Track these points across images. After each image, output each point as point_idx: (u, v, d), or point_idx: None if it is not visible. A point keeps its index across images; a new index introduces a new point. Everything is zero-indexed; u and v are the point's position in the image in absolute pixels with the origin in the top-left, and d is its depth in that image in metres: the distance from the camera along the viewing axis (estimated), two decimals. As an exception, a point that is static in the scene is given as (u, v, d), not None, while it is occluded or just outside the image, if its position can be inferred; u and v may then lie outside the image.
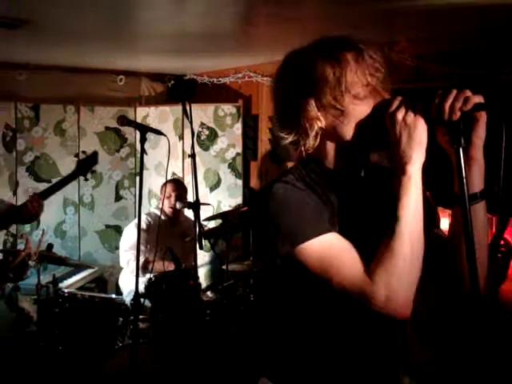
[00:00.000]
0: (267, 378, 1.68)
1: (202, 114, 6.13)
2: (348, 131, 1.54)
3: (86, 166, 4.11)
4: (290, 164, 1.71)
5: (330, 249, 1.48)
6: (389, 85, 1.56)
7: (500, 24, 3.87)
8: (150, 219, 4.98)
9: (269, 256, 1.58)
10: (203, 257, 5.93)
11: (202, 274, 5.92)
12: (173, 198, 4.99)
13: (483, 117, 1.44)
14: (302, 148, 1.59)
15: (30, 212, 3.79)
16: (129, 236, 4.87)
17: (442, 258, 1.63)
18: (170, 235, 4.86)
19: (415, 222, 1.47)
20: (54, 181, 5.93)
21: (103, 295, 4.63)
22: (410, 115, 1.45)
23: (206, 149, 6.13)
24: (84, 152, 4.21)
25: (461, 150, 1.42)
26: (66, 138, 6.06)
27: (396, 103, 1.48)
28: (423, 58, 4.19)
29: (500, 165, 1.39)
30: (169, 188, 5.04)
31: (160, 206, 5.03)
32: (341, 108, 1.52)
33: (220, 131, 6.11)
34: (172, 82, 6.33)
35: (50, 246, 4.18)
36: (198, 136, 6.08)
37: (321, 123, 1.54)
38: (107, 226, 6.33)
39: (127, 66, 6.39)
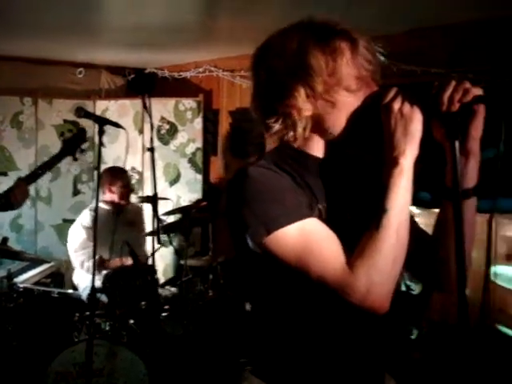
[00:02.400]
0: (252, 372, 1.60)
1: (163, 108, 6.09)
2: (334, 123, 1.48)
3: (73, 144, 3.85)
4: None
5: (308, 236, 1.40)
6: (379, 78, 1.51)
7: (459, 21, 3.91)
8: (94, 214, 4.82)
9: (244, 244, 1.47)
10: (162, 251, 5.88)
11: (161, 268, 5.88)
12: (119, 191, 4.82)
13: (482, 110, 1.39)
14: (291, 138, 1.50)
15: (16, 199, 3.61)
16: (75, 236, 4.73)
17: (423, 254, 1.59)
18: (117, 226, 4.74)
19: (403, 216, 1.41)
20: (10, 174, 5.94)
21: (59, 290, 4.55)
22: (407, 106, 1.39)
23: (166, 143, 6.09)
24: (70, 130, 4.01)
25: (457, 144, 1.37)
26: (23, 131, 5.97)
27: (392, 93, 1.42)
28: (385, 56, 4.20)
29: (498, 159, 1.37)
30: (112, 178, 4.84)
31: (103, 198, 4.81)
32: (331, 99, 1.45)
33: (180, 126, 6.07)
34: (132, 75, 6.27)
35: (5, 239, 4.05)
36: (158, 130, 6.04)
37: (309, 112, 1.46)
38: (65, 221, 6.21)
39: (87, 59, 6.32)
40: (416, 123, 1.39)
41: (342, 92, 1.45)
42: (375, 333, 1.57)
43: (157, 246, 5.68)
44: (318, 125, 1.50)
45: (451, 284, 1.41)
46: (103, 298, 4.14)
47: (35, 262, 5.18)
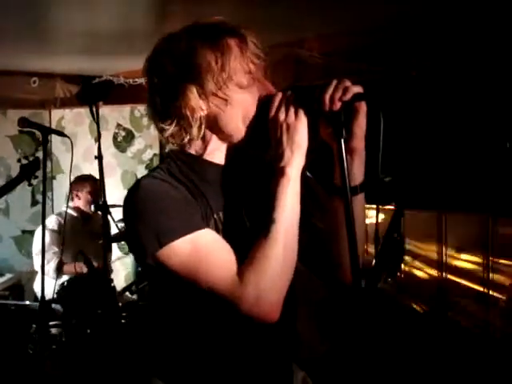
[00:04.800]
0: (157, 377, 1.62)
1: (118, 115, 6.08)
2: (230, 121, 1.48)
3: (29, 171, 3.95)
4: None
5: (199, 249, 1.41)
6: (269, 73, 1.52)
7: (400, 19, 3.95)
8: (60, 219, 4.80)
9: (140, 257, 1.47)
10: (123, 259, 5.87)
11: (123, 276, 5.86)
12: (85, 197, 4.85)
13: (363, 107, 1.42)
14: (185, 140, 1.50)
15: None
16: (39, 239, 4.72)
17: (317, 247, 1.61)
18: (83, 234, 4.75)
19: (291, 225, 1.42)
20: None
21: (16, 302, 4.51)
22: (291, 117, 1.41)
23: (123, 150, 6.07)
24: (26, 157, 4.15)
25: (342, 142, 1.39)
26: (-23, 142, 5.91)
27: (276, 102, 1.44)
28: (330, 54, 4.25)
29: (378, 155, 1.39)
30: (88, 181, 4.89)
31: (71, 204, 4.86)
32: (224, 96, 1.45)
33: (137, 132, 6.06)
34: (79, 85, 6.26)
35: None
36: (115, 137, 6.03)
37: (203, 112, 1.46)
38: (23, 232, 6.17)
39: (41, 68, 6.26)
40: (302, 133, 1.42)
41: (234, 88, 1.45)
42: (281, 331, 1.58)
43: (119, 254, 5.68)
44: (213, 124, 1.50)
45: (347, 275, 1.43)
46: (59, 307, 4.11)
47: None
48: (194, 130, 1.48)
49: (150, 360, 1.66)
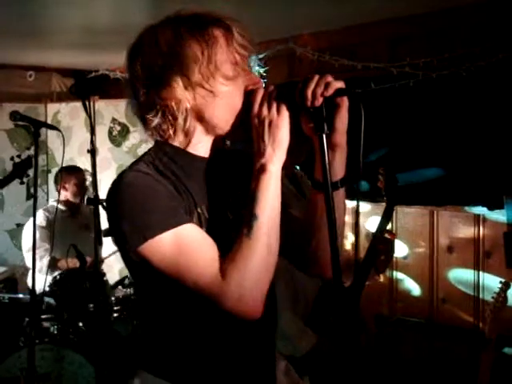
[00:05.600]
0: (143, 369, 1.61)
1: (114, 109, 6.07)
2: (216, 113, 1.47)
3: (21, 169, 4.06)
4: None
5: (181, 244, 1.40)
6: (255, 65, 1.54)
7: (396, 16, 3.96)
8: (47, 214, 4.81)
9: (123, 251, 1.46)
10: (118, 252, 5.87)
11: (117, 270, 5.86)
12: (72, 189, 4.88)
13: (345, 103, 1.42)
14: (170, 132, 1.48)
15: None
16: (29, 235, 4.69)
17: (295, 240, 1.61)
18: (73, 228, 4.75)
19: (273, 221, 1.42)
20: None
21: (10, 295, 4.51)
22: (274, 113, 1.41)
23: (118, 145, 6.07)
24: (19, 156, 4.21)
25: (324, 137, 1.40)
26: (-28, 135, 5.92)
27: (259, 98, 1.44)
28: (323, 51, 4.25)
29: (359, 151, 1.39)
30: (74, 174, 4.92)
31: (60, 197, 4.76)
32: (210, 88, 1.43)
33: (132, 127, 6.05)
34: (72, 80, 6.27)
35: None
36: (110, 132, 6.03)
37: (189, 104, 1.44)
38: (18, 225, 6.15)
39: (37, 61, 6.26)
40: (283, 130, 1.41)
41: (220, 80, 1.44)
42: (262, 323, 1.56)
43: (114, 248, 5.66)
44: (199, 116, 1.48)
45: (326, 270, 1.44)
46: (52, 301, 4.12)
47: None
48: (180, 122, 1.46)
49: (137, 352, 1.66)
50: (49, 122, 6.06)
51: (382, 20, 4.02)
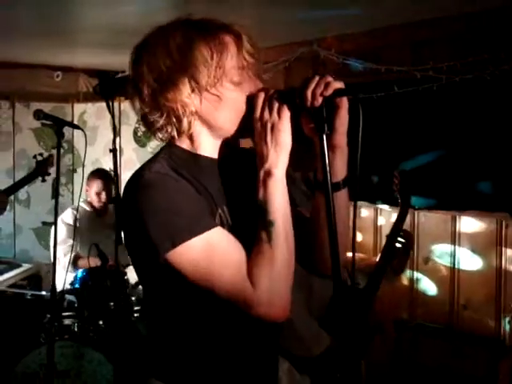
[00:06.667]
0: (155, 377, 1.60)
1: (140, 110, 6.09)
2: (221, 117, 1.48)
3: (44, 167, 4.29)
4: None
5: (211, 249, 1.38)
6: (261, 72, 1.54)
7: (420, 20, 3.93)
8: (75, 213, 4.87)
9: (148, 257, 1.42)
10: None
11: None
12: (101, 192, 4.90)
13: (345, 103, 1.42)
14: (175, 133, 1.47)
15: None
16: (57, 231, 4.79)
17: (302, 238, 1.59)
18: (98, 228, 4.79)
19: (288, 224, 1.43)
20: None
21: (33, 292, 4.57)
22: (275, 117, 1.41)
23: (143, 145, 6.12)
24: (41, 154, 4.31)
25: (324, 137, 1.40)
26: (0, 134, 5.99)
27: (260, 102, 1.44)
28: (348, 54, 4.23)
29: (357, 151, 1.39)
30: (96, 180, 4.95)
31: (87, 198, 4.93)
32: (216, 93, 1.44)
33: (157, 128, 6.08)
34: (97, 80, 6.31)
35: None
36: (135, 133, 6.08)
37: (194, 107, 1.44)
38: (44, 223, 6.24)
39: (65, 62, 6.32)
40: (285, 133, 1.42)
41: (226, 85, 1.45)
42: (269, 328, 1.59)
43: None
44: (204, 119, 1.48)
45: (328, 270, 1.43)
46: (73, 298, 4.16)
47: (10, 265, 5.24)
48: (184, 125, 1.46)
49: (148, 360, 1.65)
50: (75, 121, 6.16)
51: (406, 23, 3.99)
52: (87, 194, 4.95)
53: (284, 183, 1.44)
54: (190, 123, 1.46)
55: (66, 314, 3.99)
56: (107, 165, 5.53)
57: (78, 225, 4.73)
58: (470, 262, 3.88)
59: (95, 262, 4.35)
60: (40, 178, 4.88)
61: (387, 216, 4.23)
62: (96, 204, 4.91)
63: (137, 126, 6.08)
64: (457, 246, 3.93)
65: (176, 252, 1.37)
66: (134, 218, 1.42)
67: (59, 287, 4.69)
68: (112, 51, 5.60)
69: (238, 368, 1.57)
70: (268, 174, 1.42)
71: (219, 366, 1.55)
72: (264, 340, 1.62)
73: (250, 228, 1.45)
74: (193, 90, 1.43)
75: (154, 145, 6.08)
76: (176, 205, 1.39)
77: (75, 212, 4.85)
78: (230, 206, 1.52)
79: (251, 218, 1.47)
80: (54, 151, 5.81)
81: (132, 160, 6.09)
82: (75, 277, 4.19)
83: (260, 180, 1.43)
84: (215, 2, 3.66)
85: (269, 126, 1.42)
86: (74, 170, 6.46)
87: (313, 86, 1.39)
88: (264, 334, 1.60)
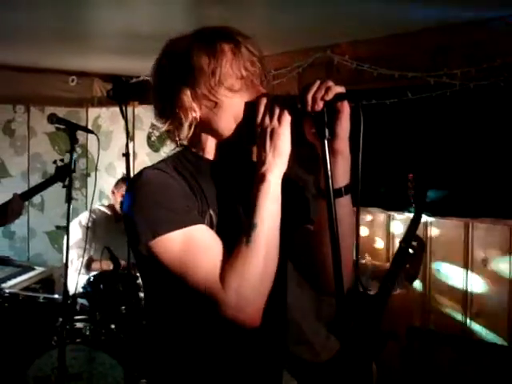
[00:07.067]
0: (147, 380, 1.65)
1: (153, 115, 6.10)
2: (221, 123, 1.53)
3: (64, 172, 4.15)
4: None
5: (190, 244, 1.42)
6: (264, 79, 1.56)
7: (435, 26, 3.93)
8: (94, 216, 4.89)
9: (133, 244, 1.50)
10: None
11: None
12: (118, 198, 4.93)
13: (346, 108, 1.42)
14: (177, 138, 1.57)
15: (13, 212, 3.92)
16: (72, 233, 4.79)
17: (305, 250, 1.61)
18: (115, 232, 4.81)
19: (272, 231, 1.43)
20: (4, 181, 6.04)
21: (45, 295, 4.58)
22: (275, 123, 1.43)
23: (156, 150, 6.13)
24: (62, 160, 4.33)
25: (326, 142, 1.40)
26: (15, 138, 6.05)
27: (262, 108, 1.47)
28: (362, 60, 4.23)
29: (358, 157, 1.39)
30: (116, 184, 4.99)
31: (106, 203, 4.96)
32: (214, 99, 1.50)
33: (171, 132, 6.09)
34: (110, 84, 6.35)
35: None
36: (149, 137, 6.10)
37: (195, 114, 1.51)
38: (57, 227, 6.26)
39: (79, 67, 6.35)
40: (284, 139, 1.44)
41: (224, 92, 1.50)
42: (270, 334, 1.58)
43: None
44: (206, 126, 1.55)
45: (330, 282, 1.42)
46: (85, 302, 4.17)
47: (23, 268, 5.25)
48: (185, 129, 1.53)
49: (148, 364, 1.66)
50: (89, 126, 6.19)
51: (420, 30, 3.99)
52: (112, 198, 4.99)
53: (277, 189, 1.45)
54: (189, 128, 1.53)
55: (78, 317, 4.01)
56: (121, 169, 5.57)
57: (94, 228, 4.77)
58: (483, 269, 3.86)
59: (108, 265, 4.37)
60: (61, 184, 5.01)
61: (400, 222, 4.21)
62: (119, 209, 4.94)
63: (150, 130, 6.10)
64: (469, 253, 3.91)
65: (156, 242, 1.42)
66: (127, 207, 1.51)
67: (72, 290, 4.73)
68: (126, 56, 5.64)
69: (236, 372, 1.57)
70: (262, 178, 1.44)
71: (216, 370, 1.55)
72: (266, 346, 1.60)
73: (237, 232, 1.46)
74: (193, 99, 1.51)
75: (167, 149, 6.04)
76: (164, 199, 1.45)
77: (93, 215, 4.90)
78: (221, 208, 1.54)
79: (240, 222, 1.50)
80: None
81: (145, 164, 5.89)
82: (87, 280, 4.20)
83: (255, 183, 1.46)
84: (229, 8, 3.68)
85: (268, 131, 1.44)
86: (88, 174, 6.49)
87: (314, 90, 1.40)
88: (265, 339, 1.59)
